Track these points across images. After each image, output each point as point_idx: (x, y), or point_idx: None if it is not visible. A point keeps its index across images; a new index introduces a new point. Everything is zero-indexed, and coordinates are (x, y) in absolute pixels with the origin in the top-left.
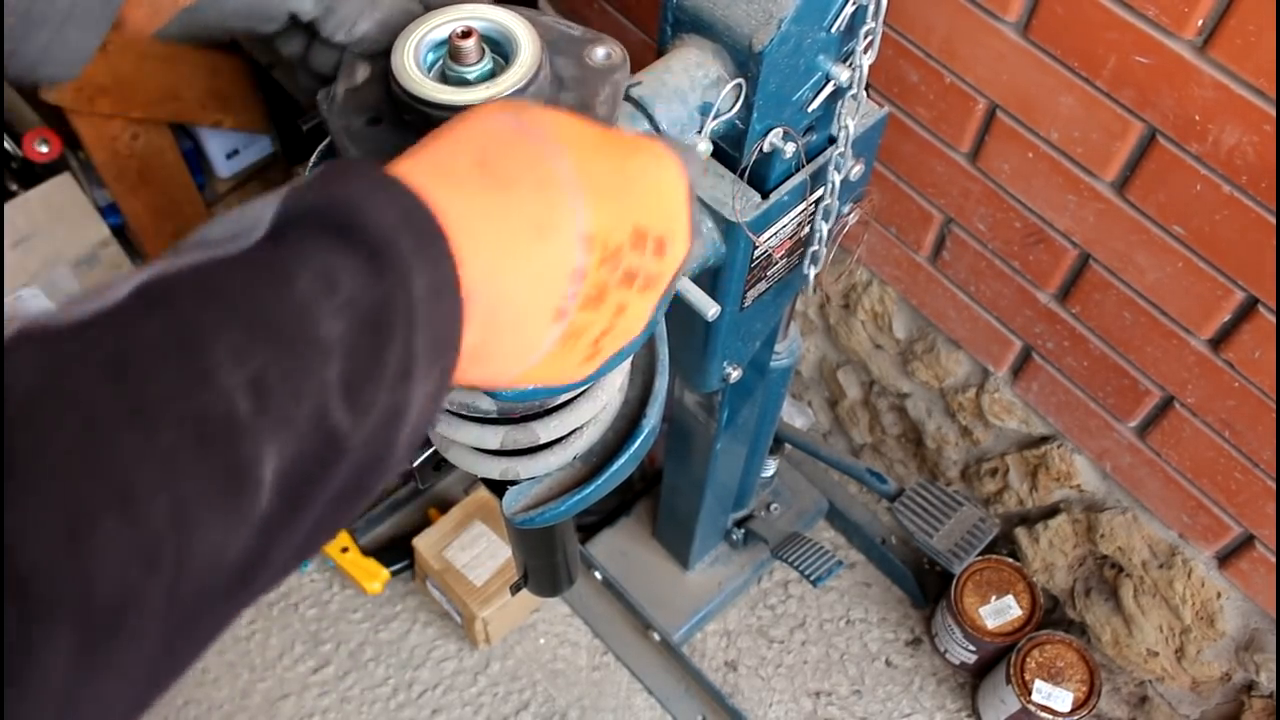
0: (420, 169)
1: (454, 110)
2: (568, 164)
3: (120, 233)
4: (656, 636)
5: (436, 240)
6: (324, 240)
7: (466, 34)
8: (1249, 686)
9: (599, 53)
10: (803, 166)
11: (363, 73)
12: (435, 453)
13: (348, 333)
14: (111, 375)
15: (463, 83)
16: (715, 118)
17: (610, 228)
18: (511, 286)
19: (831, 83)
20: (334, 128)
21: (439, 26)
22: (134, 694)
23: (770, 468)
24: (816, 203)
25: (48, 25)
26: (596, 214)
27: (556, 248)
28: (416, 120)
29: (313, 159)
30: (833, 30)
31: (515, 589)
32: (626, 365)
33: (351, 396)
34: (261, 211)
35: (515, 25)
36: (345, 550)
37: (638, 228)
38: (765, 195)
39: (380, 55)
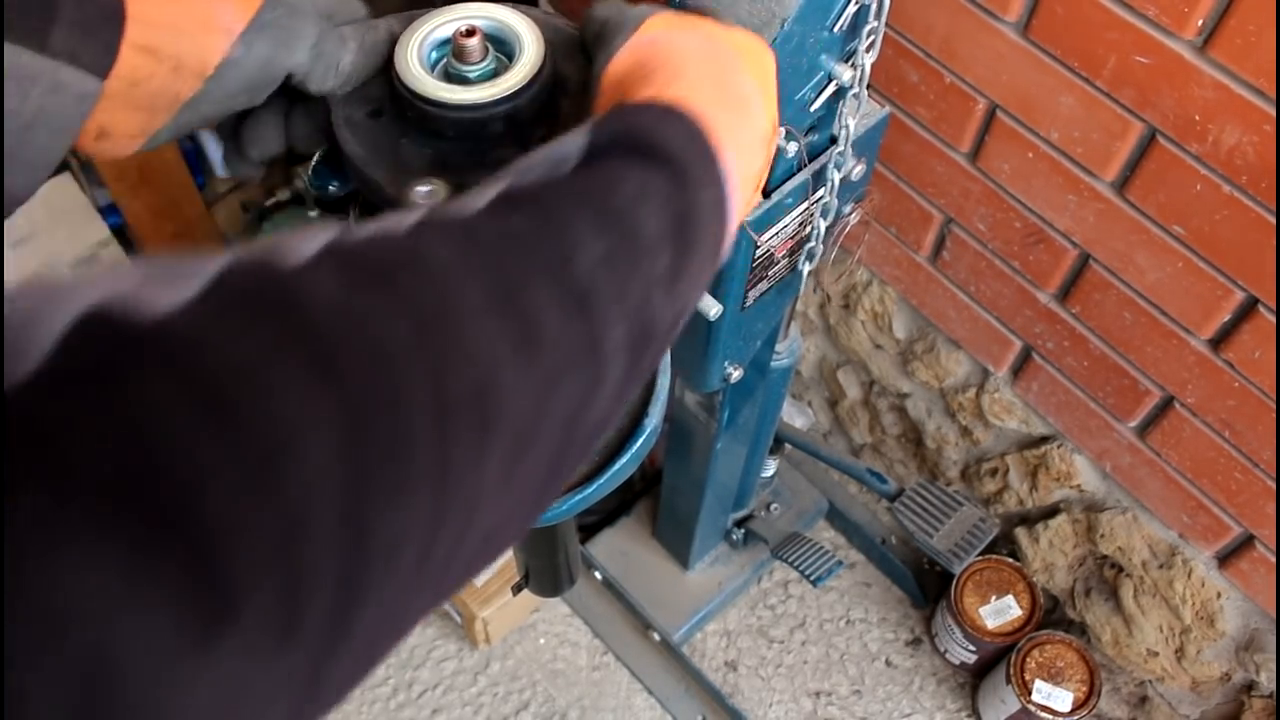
0: (691, 95)
1: (455, 109)
2: (752, 78)
3: (120, 233)
4: (656, 636)
5: (715, 160)
6: (633, 160)
7: (470, 33)
8: (1249, 686)
9: None
10: (804, 166)
11: None
12: None
13: (666, 232)
14: (501, 247)
15: (465, 81)
16: None
17: (771, 126)
18: (741, 191)
19: (834, 82)
20: (335, 117)
21: (443, 25)
22: (518, 519)
23: (770, 468)
24: (818, 202)
25: (11, 129)
26: (771, 115)
27: (766, 153)
28: (416, 116)
29: (314, 159)
30: (835, 30)
31: (517, 589)
32: None
33: (670, 288)
34: (574, 140)
35: (519, 24)
36: None
37: (774, 120)
38: (767, 195)
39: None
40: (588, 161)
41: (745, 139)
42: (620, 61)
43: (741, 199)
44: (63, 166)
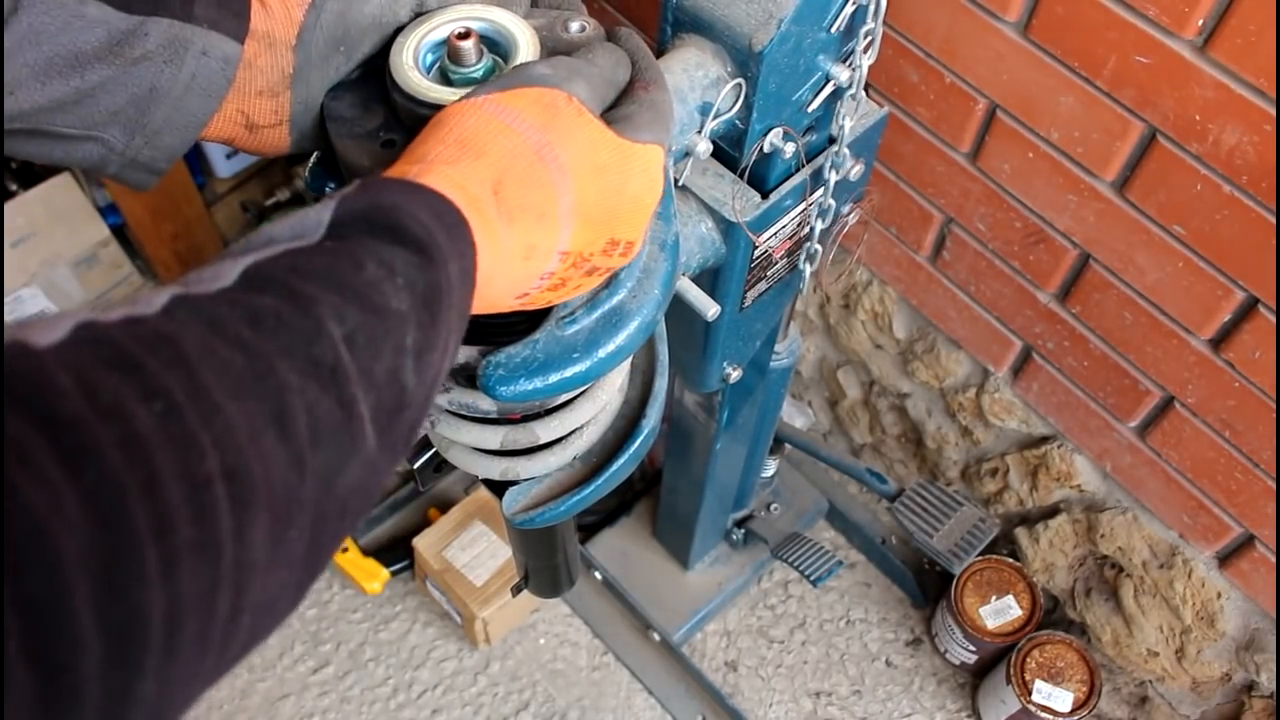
0: (445, 184)
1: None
2: (570, 197)
3: (120, 233)
4: (656, 636)
5: (464, 233)
6: (377, 237)
7: (465, 35)
8: (1249, 687)
9: (574, 26)
10: (803, 166)
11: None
12: (436, 455)
13: (413, 308)
14: (251, 326)
15: (460, 82)
16: (715, 118)
17: (588, 244)
18: (497, 284)
19: (831, 83)
20: (329, 117)
21: (439, 27)
22: (290, 589)
23: (770, 468)
24: (817, 203)
25: (170, 97)
26: (579, 236)
27: (537, 263)
28: (409, 117)
29: (311, 159)
30: (832, 30)
31: (516, 590)
32: (626, 365)
33: (419, 360)
34: (319, 214)
35: (514, 26)
36: (345, 550)
37: (612, 240)
38: (765, 195)
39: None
40: (332, 237)
41: (513, 247)
42: (450, 111)
43: (495, 289)
44: (63, 166)
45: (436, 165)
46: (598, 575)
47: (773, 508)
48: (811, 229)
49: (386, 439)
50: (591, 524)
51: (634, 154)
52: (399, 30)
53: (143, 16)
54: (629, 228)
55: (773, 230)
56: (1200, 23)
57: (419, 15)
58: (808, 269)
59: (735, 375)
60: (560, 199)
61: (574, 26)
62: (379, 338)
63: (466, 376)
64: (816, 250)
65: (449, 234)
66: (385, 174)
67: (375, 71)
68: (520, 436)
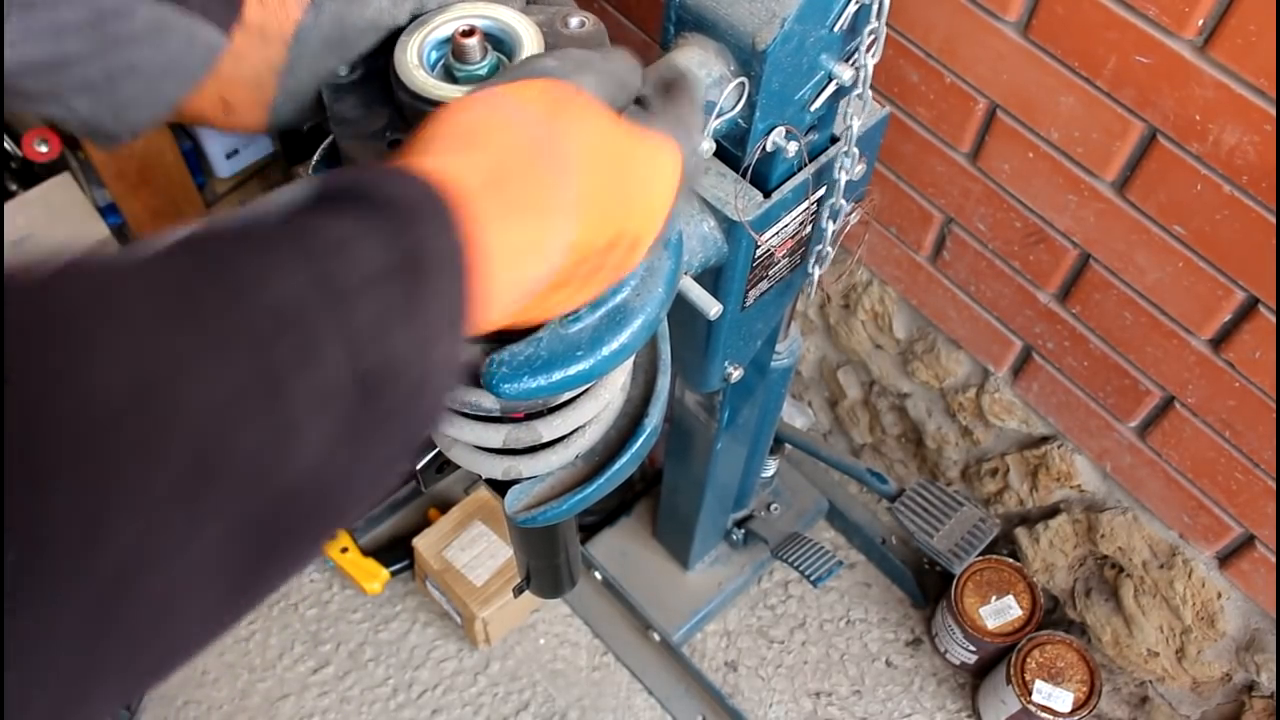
0: (437, 172)
1: None
2: (574, 190)
3: (120, 233)
4: (656, 636)
5: (447, 212)
6: (352, 206)
7: (469, 32)
8: (1249, 687)
9: (573, 22)
10: (805, 165)
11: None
12: (439, 454)
13: (392, 266)
14: (193, 268)
15: (464, 80)
16: (718, 116)
17: (592, 239)
18: (499, 282)
19: (834, 82)
20: (331, 114)
21: (444, 24)
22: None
23: (770, 468)
24: (819, 202)
25: (144, 77)
26: (583, 229)
27: (542, 260)
28: (414, 115)
29: (314, 158)
30: (835, 29)
31: (518, 591)
32: (629, 363)
33: (408, 322)
34: (288, 193)
35: (517, 22)
36: (345, 550)
37: (619, 233)
38: (767, 194)
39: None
40: (302, 208)
41: (516, 241)
42: (453, 104)
43: (498, 287)
44: (62, 166)
45: (431, 155)
46: (598, 575)
47: (773, 508)
48: (822, 231)
49: (374, 406)
50: (592, 524)
51: (644, 147)
52: (398, 31)
53: None
54: (637, 221)
55: (775, 229)
56: (1200, 23)
57: (418, 16)
58: (816, 272)
59: (736, 375)
60: (564, 189)
61: (574, 22)
62: (350, 290)
63: (470, 374)
64: (828, 253)
65: (435, 212)
66: (380, 164)
67: (376, 72)
68: (523, 435)
